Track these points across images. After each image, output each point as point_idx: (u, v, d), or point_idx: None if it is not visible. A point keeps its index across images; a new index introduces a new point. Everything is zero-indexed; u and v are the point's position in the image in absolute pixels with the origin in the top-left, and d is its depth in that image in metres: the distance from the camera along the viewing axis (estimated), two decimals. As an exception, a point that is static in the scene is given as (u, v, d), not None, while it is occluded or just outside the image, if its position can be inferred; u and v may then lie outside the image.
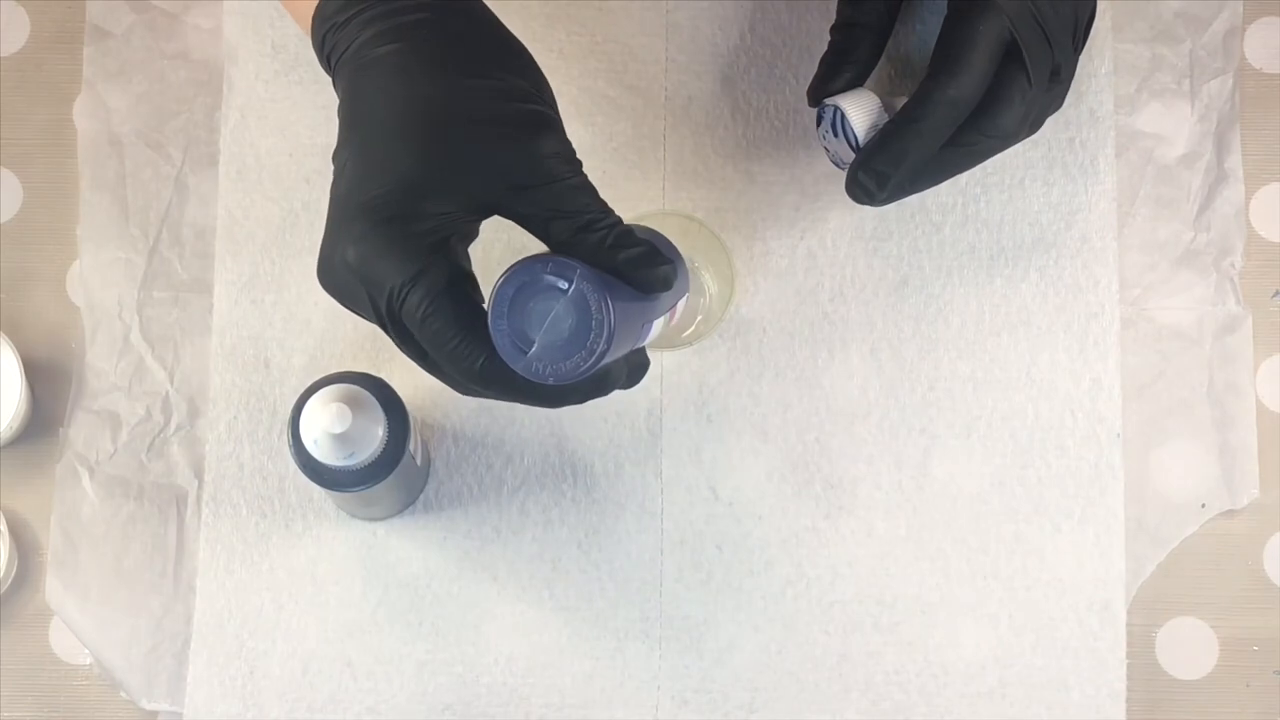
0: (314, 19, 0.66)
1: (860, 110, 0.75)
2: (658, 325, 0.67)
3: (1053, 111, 0.76)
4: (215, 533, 0.80)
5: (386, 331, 0.64)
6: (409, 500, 0.79)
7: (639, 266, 0.62)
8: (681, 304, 0.70)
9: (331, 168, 0.65)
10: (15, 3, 0.85)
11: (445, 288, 0.62)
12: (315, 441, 0.67)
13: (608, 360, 0.61)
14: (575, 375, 0.61)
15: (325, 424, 0.67)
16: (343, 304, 0.64)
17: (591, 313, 0.60)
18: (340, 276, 0.63)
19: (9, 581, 0.80)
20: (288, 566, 0.80)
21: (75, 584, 0.80)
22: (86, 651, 0.79)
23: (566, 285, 0.60)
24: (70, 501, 0.80)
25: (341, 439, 0.67)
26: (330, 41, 0.65)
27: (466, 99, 0.63)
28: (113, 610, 0.79)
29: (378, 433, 0.68)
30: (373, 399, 0.68)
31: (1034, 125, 0.75)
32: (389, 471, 0.70)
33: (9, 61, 0.84)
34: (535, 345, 0.60)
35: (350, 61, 0.64)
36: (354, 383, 0.69)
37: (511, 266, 0.61)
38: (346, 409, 0.67)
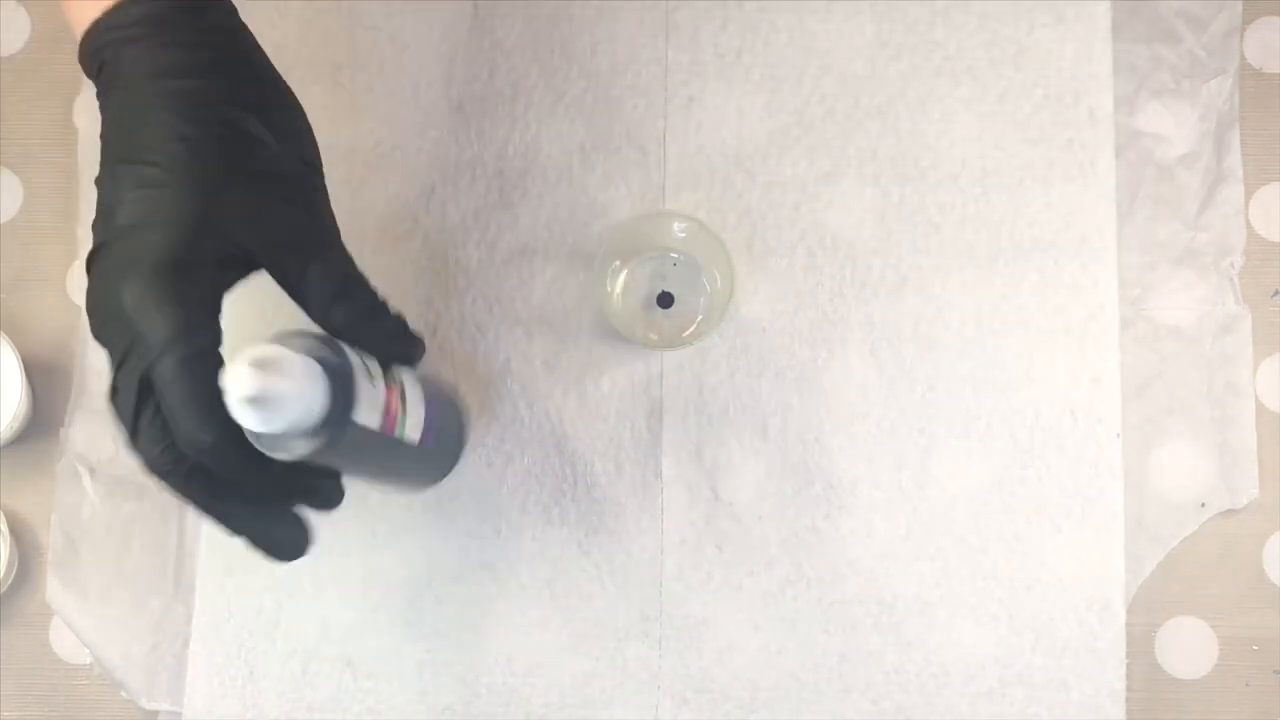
0: (90, 28, 0.63)
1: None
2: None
3: None
4: (215, 533, 0.80)
5: (112, 385, 0.61)
6: (422, 478, 0.75)
7: (391, 341, 0.65)
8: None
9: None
10: (15, 3, 0.85)
11: (195, 357, 0.59)
12: (235, 405, 0.60)
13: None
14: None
15: (239, 388, 0.59)
16: (97, 338, 0.61)
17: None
18: (111, 315, 0.60)
19: (9, 581, 0.80)
20: (288, 566, 0.79)
21: (75, 584, 0.80)
22: (86, 651, 0.79)
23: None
24: (71, 501, 0.80)
25: (255, 402, 0.59)
26: (101, 56, 0.63)
27: (247, 148, 0.62)
28: (113, 610, 0.79)
29: (305, 397, 0.60)
30: (301, 360, 0.60)
31: None
32: (328, 442, 0.62)
33: (9, 61, 0.84)
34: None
35: (121, 83, 0.62)
36: (293, 342, 0.63)
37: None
38: (256, 370, 0.59)
